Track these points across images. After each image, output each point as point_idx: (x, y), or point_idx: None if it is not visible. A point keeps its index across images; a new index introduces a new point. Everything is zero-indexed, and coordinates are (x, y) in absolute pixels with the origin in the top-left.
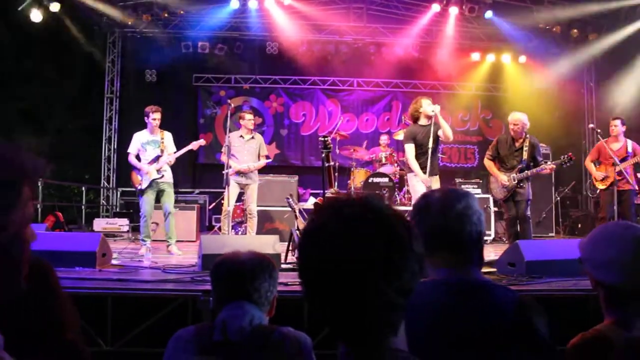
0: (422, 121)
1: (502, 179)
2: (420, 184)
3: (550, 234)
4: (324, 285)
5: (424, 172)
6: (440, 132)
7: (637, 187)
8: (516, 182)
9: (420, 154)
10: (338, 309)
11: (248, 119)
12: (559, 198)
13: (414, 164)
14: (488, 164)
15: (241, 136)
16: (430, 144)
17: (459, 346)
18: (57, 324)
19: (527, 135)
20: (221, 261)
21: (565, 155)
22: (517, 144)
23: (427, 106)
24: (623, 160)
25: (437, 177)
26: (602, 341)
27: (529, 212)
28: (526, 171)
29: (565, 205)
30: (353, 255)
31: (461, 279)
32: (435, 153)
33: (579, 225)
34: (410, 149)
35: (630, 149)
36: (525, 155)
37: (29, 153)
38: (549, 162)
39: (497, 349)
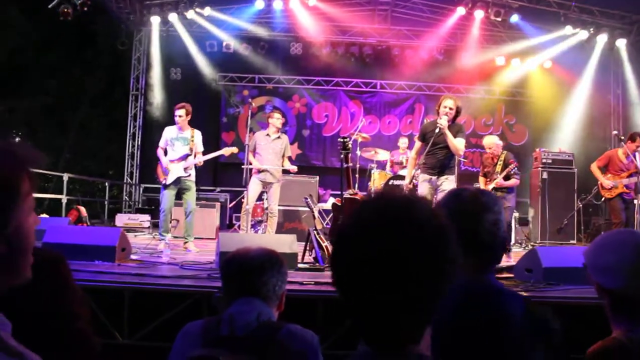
0: (438, 119)
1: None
2: (424, 183)
3: (572, 242)
4: (356, 285)
5: (430, 172)
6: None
7: None
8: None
9: (427, 154)
10: (370, 310)
11: (277, 118)
12: (581, 205)
13: (409, 165)
14: (481, 180)
15: (267, 135)
16: (438, 147)
17: (470, 351)
18: (68, 314)
19: (504, 152)
20: (231, 257)
21: (513, 165)
22: (495, 160)
23: (442, 108)
24: (632, 175)
25: (450, 178)
26: (619, 348)
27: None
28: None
29: (588, 213)
30: (391, 258)
31: (474, 284)
32: (445, 156)
33: (602, 233)
34: (416, 145)
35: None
36: (499, 168)
37: (24, 146)
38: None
39: (508, 354)
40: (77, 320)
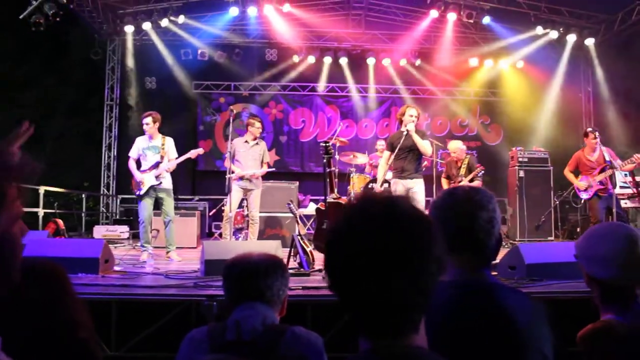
0: (402, 127)
1: None
2: (398, 186)
3: (550, 238)
4: (349, 281)
5: (400, 175)
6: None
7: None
8: None
9: (395, 159)
10: (362, 305)
11: (257, 127)
12: (557, 202)
13: (379, 171)
14: (444, 181)
15: (246, 141)
16: (405, 150)
17: (467, 347)
18: (70, 324)
19: (467, 156)
20: (233, 262)
21: (480, 169)
22: (459, 164)
23: (407, 116)
24: (603, 170)
25: (419, 180)
26: (609, 330)
27: None
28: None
29: (564, 210)
30: (377, 254)
31: (472, 280)
32: (412, 159)
33: (578, 229)
34: (384, 155)
35: (607, 158)
36: (463, 171)
37: (13, 152)
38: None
39: (506, 349)
40: (78, 330)
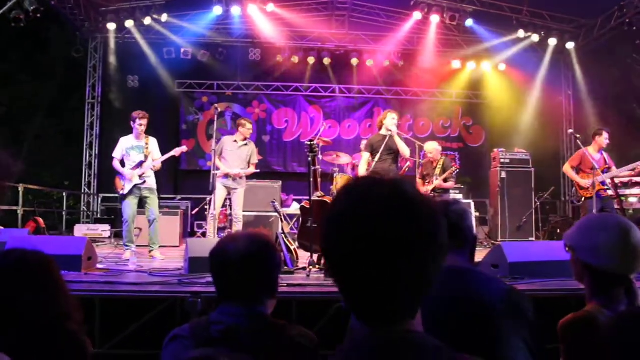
0: (383, 131)
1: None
2: None
3: (531, 239)
4: (349, 265)
5: None
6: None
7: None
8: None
9: (378, 161)
10: (361, 290)
11: (248, 128)
12: (538, 203)
13: (361, 172)
14: (419, 182)
15: (235, 141)
16: (387, 153)
17: (447, 328)
18: (61, 315)
19: (442, 157)
20: (220, 251)
21: (455, 168)
22: (434, 164)
23: (389, 119)
24: (604, 171)
25: None
26: (590, 320)
27: None
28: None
29: (545, 211)
30: (380, 237)
31: (450, 265)
32: (393, 161)
33: (558, 230)
34: (364, 156)
35: (608, 161)
36: (437, 171)
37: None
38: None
39: (485, 330)
40: (68, 321)
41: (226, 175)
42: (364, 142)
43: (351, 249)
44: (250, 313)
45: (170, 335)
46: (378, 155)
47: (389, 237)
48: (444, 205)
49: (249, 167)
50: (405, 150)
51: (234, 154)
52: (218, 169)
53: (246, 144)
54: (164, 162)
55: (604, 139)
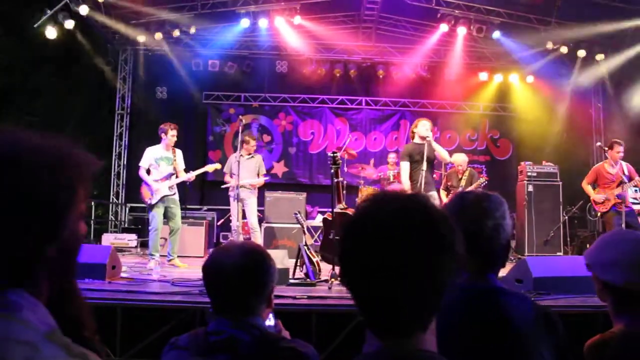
0: (417, 139)
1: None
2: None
3: (559, 253)
4: (363, 276)
5: (418, 188)
6: (436, 153)
7: None
8: None
9: (414, 171)
10: (374, 305)
11: (252, 145)
12: (567, 217)
13: (405, 181)
14: (443, 193)
15: (241, 155)
16: (425, 163)
17: (469, 349)
18: (75, 322)
19: (468, 168)
20: (213, 264)
21: (483, 179)
22: (460, 175)
23: (421, 127)
24: (619, 184)
25: (434, 193)
26: (618, 341)
27: None
28: None
29: (573, 225)
30: (393, 250)
31: (476, 284)
32: (430, 170)
33: (587, 245)
34: (404, 166)
35: (626, 172)
36: (463, 182)
37: (82, 150)
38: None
39: (506, 353)
40: (84, 329)
41: (237, 187)
42: (391, 156)
43: (363, 266)
44: (246, 324)
45: (168, 343)
46: (423, 169)
47: (401, 254)
48: (478, 217)
49: (258, 177)
50: (445, 155)
51: (241, 168)
52: (227, 182)
53: (252, 157)
54: None
55: (615, 152)
